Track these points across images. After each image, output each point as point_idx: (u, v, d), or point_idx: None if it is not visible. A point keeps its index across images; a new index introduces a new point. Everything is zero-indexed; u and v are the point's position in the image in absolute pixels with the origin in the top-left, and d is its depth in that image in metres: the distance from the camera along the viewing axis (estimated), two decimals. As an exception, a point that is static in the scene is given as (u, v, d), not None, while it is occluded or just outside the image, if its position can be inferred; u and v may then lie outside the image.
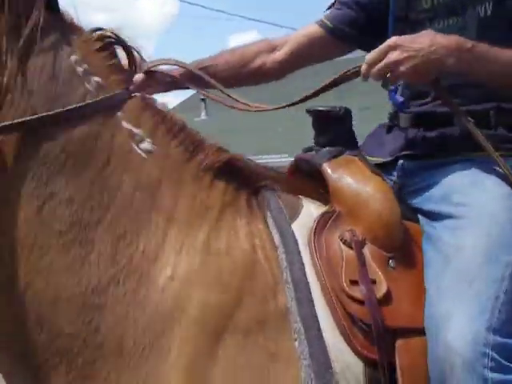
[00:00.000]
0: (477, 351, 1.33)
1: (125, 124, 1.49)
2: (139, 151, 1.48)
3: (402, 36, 1.59)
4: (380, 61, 1.56)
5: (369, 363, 1.45)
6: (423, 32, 1.62)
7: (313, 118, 1.78)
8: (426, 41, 1.56)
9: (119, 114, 1.49)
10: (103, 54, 1.56)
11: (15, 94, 1.41)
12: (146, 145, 1.49)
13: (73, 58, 1.49)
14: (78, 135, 1.43)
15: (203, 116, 18.40)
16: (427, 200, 1.73)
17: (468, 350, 1.34)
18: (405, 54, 1.54)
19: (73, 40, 1.52)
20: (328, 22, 1.96)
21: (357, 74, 1.64)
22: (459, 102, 1.68)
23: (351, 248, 1.54)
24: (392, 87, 1.72)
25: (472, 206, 1.62)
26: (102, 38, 1.57)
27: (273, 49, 1.99)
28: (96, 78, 1.51)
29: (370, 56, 1.58)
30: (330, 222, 1.60)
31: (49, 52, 1.46)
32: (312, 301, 1.44)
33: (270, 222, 1.55)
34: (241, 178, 1.60)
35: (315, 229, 1.57)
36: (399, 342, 1.47)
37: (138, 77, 1.72)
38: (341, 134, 1.75)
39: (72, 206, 1.39)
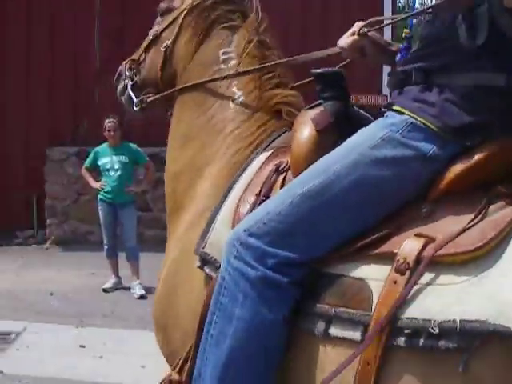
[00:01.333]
0: (230, 242, 1.82)
1: (234, 88, 2.39)
2: (231, 103, 2.37)
3: None
4: None
5: None
6: None
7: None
8: None
9: (235, 82, 2.38)
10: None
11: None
12: (239, 100, 2.36)
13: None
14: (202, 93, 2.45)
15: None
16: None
17: (229, 239, 1.83)
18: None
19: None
20: None
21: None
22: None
23: (274, 172, 2.03)
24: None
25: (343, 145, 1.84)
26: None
27: None
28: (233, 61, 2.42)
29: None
30: (279, 154, 2.08)
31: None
32: (221, 206, 2.07)
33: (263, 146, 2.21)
34: (286, 121, 2.26)
35: (267, 158, 2.09)
36: None
37: (350, 39, 2.03)
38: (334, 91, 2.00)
39: (183, 125, 2.46)
